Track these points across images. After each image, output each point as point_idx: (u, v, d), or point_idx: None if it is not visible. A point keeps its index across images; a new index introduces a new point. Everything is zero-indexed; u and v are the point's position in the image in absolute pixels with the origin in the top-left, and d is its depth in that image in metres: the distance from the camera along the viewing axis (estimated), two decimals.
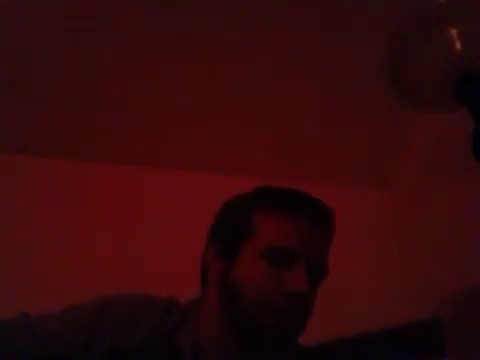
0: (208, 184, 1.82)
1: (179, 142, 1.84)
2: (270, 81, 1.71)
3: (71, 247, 1.66)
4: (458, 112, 1.16)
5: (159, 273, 1.53)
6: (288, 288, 0.79)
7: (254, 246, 0.82)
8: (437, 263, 1.60)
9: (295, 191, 0.88)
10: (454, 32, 1.06)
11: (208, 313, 0.85)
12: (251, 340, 0.79)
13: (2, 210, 1.66)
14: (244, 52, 1.63)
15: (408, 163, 1.91)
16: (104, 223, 1.73)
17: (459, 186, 1.52)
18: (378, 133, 1.86)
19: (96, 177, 1.80)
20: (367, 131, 1.85)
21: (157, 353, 0.81)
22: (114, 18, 1.52)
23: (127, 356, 0.80)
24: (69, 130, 1.77)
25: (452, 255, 1.52)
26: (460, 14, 1.08)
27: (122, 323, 0.83)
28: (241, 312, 0.80)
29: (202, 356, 0.81)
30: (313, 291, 0.83)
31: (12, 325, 0.83)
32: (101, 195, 1.79)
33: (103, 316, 0.83)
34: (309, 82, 1.71)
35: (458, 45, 1.05)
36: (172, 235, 1.70)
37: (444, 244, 1.57)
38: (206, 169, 1.86)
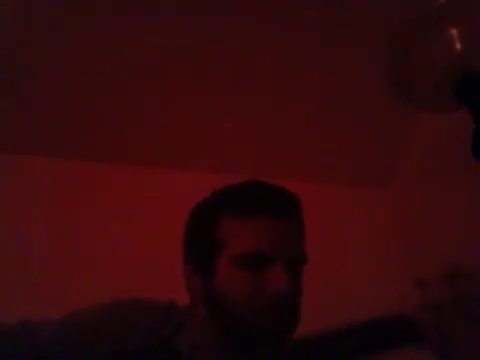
0: (208, 184, 1.81)
1: (179, 142, 1.84)
2: (270, 81, 1.71)
3: (71, 247, 1.66)
4: (458, 112, 1.16)
5: (159, 273, 1.52)
6: (270, 290, 0.78)
7: (227, 256, 0.81)
8: (437, 263, 1.60)
9: (253, 187, 0.86)
10: (454, 32, 1.06)
11: (200, 321, 0.85)
12: (247, 343, 0.79)
13: (2, 210, 1.66)
14: (244, 52, 1.63)
15: (408, 163, 1.91)
16: (104, 223, 1.73)
17: (459, 186, 1.52)
18: (378, 133, 1.85)
19: (96, 177, 1.80)
20: (367, 131, 1.85)
21: (156, 354, 0.82)
22: (114, 18, 1.52)
23: (127, 358, 0.81)
24: (69, 130, 1.76)
25: (452, 255, 1.52)
26: (460, 14, 1.08)
27: (124, 327, 0.84)
28: (232, 320, 0.79)
29: (197, 357, 0.82)
30: (296, 284, 0.82)
31: (11, 332, 0.83)
32: (101, 195, 1.79)
33: (106, 320, 0.84)
34: (309, 82, 1.71)
35: (458, 45, 1.05)
36: (172, 235, 1.69)
37: (444, 244, 1.57)
38: (206, 169, 1.85)
